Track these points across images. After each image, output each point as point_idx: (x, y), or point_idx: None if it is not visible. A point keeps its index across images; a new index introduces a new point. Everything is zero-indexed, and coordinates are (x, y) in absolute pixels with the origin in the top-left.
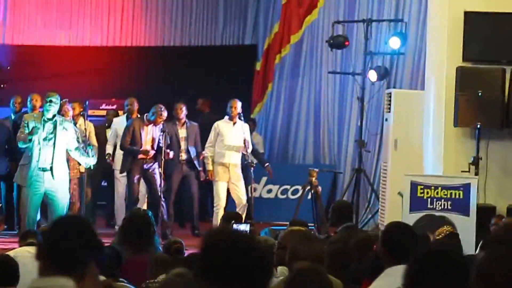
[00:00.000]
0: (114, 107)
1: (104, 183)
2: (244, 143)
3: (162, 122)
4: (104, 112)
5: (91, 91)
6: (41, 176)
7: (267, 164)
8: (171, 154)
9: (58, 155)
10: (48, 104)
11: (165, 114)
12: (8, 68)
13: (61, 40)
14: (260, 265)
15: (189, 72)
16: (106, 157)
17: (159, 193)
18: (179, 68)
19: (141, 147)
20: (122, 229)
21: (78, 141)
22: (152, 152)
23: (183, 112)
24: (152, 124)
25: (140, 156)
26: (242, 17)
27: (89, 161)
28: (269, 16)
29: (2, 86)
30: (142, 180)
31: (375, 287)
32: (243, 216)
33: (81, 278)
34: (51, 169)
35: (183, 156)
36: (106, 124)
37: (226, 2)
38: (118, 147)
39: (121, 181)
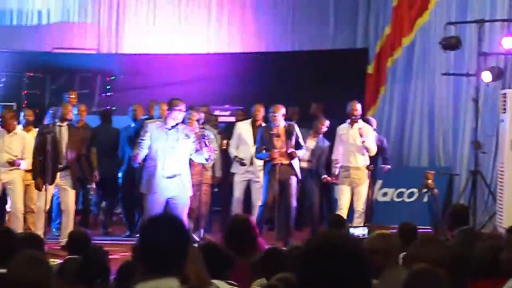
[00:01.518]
0: (228, 113)
1: (215, 189)
2: (363, 144)
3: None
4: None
5: (202, 98)
6: (166, 184)
7: (387, 166)
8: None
9: (182, 163)
10: (176, 112)
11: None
12: (122, 77)
13: (173, 48)
14: (358, 271)
15: (300, 77)
16: (236, 160)
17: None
18: (291, 72)
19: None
20: (224, 234)
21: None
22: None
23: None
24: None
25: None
26: (352, 21)
27: (204, 156)
28: (379, 19)
29: (113, 94)
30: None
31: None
32: (361, 220)
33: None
34: (174, 176)
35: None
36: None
37: (336, 7)
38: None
39: (239, 185)
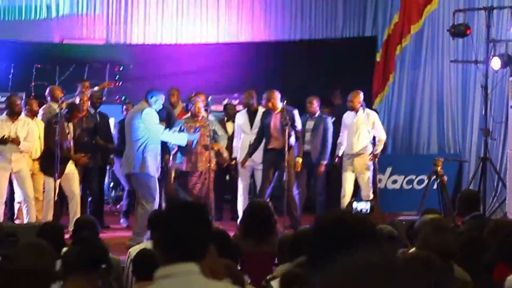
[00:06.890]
0: (237, 102)
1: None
2: (369, 133)
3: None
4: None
5: (213, 87)
6: None
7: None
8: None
9: None
10: None
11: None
12: (131, 67)
13: (182, 38)
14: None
15: (309, 66)
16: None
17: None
18: (300, 62)
19: None
20: (242, 221)
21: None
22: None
23: (314, 106)
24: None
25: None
26: (361, 9)
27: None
28: (388, 7)
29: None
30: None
31: None
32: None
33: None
34: None
35: (305, 147)
36: (225, 118)
37: None
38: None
39: (244, 173)
